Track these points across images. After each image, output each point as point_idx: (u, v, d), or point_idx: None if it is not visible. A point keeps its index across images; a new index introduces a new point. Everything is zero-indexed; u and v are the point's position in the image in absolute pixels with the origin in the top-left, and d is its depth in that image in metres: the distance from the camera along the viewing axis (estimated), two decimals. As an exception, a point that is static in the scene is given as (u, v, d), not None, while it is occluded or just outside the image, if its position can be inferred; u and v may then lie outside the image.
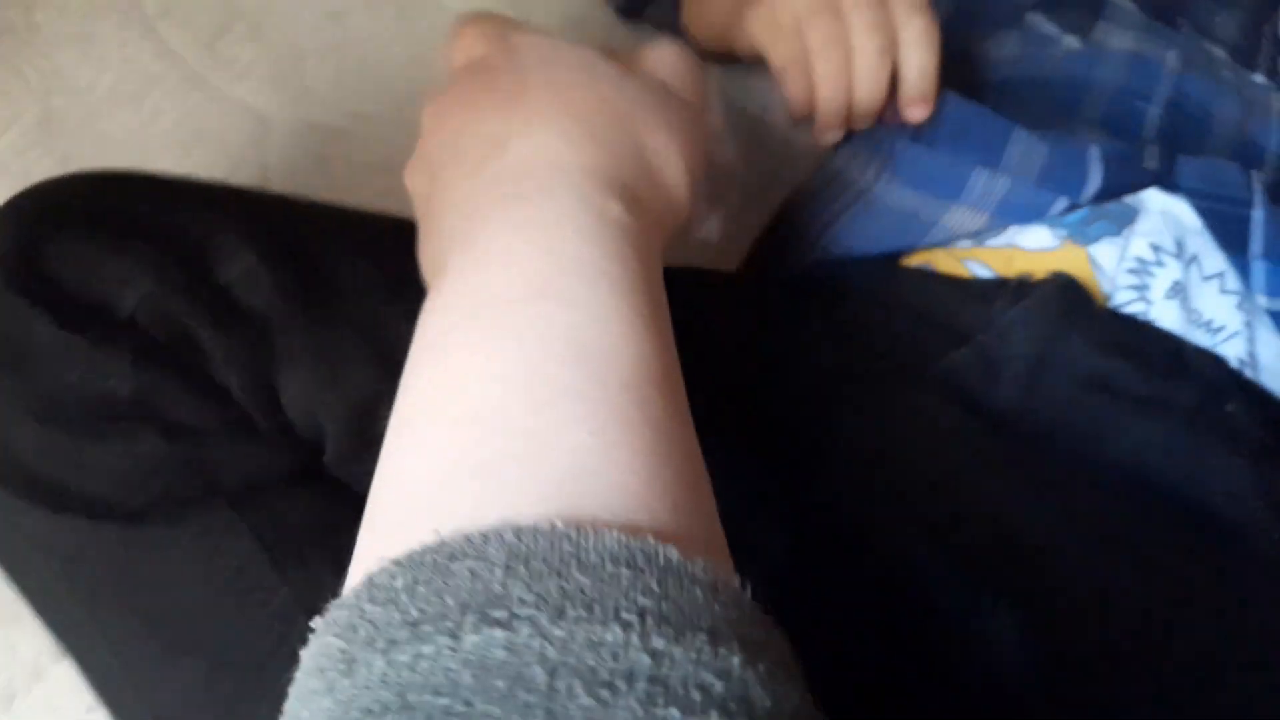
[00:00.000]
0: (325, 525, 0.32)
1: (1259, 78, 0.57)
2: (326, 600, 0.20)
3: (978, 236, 0.49)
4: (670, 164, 0.31)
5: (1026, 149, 0.48)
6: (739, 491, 0.28)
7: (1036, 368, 0.42)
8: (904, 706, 0.32)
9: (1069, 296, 0.44)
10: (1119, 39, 0.55)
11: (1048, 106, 0.53)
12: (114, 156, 0.50)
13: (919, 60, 0.46)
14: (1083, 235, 0.47)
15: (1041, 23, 0.57)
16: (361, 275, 0.35)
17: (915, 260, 0.49)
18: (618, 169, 0.29)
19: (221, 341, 0.31)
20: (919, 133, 0.49)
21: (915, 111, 0.47)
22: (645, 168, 0.30)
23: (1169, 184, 0.47)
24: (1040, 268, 0.47)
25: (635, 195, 0.29)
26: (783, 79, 0.46)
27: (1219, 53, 0.57)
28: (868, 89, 0.46)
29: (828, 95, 0.45)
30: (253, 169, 0.52)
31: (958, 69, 0.57)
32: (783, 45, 0.46)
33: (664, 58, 0.35)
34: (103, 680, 0.32)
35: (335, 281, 0.34)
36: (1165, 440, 0.40)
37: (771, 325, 0.46)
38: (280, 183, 0.52)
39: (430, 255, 0.30)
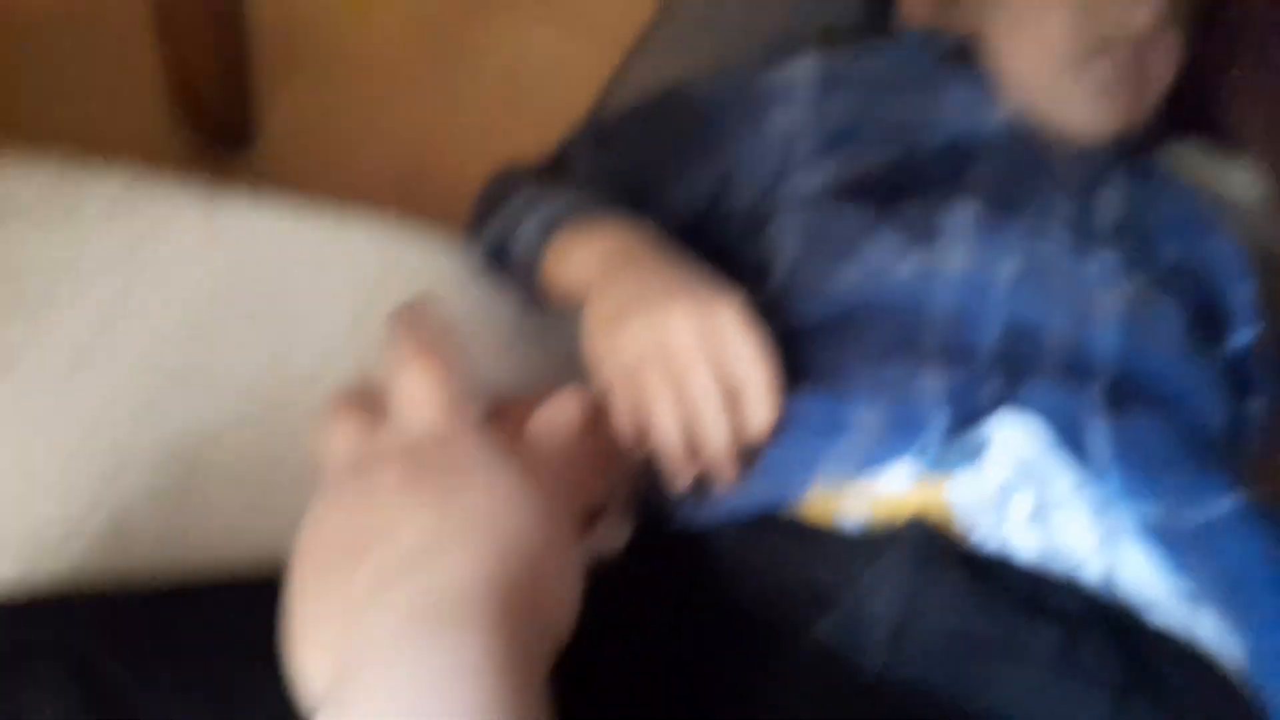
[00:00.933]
0: None
1: (1093, 274, 0.60)
2: None
3: (844, 483, 0.50)
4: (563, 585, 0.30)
5: (868, 410, 0.50)
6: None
7: (899, 631, 0.43)
8: None
9: (926, 549, 0.45)
10: (953, 257, 0.58)
11: (891, 336, 0.56)
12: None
13: (758, 415, 0.48)
14: (937, 472, 0.49)
15: (881, 247, 0.60)
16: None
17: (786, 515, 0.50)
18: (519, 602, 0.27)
19: None
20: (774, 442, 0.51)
21: (761, 441, 0.49)
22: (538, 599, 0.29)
23: (1012, 410, 0.49)
24: (903, 508, 0.48)
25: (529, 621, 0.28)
26: (622, 419, 0.48)
27: (1052, 256, 0.60)
28: (718, 448, 0.48)
29: (672, 452, 0.48)
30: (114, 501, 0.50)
31: (807, 305, 0.60)
32: (616, 388, 0.49)
33: (554, 425, 0.36)
34: None
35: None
36: (1030, 686, 0.41)
37: (648, 600, 0.46)
38: (143, 512, 0.51)
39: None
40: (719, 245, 0.73)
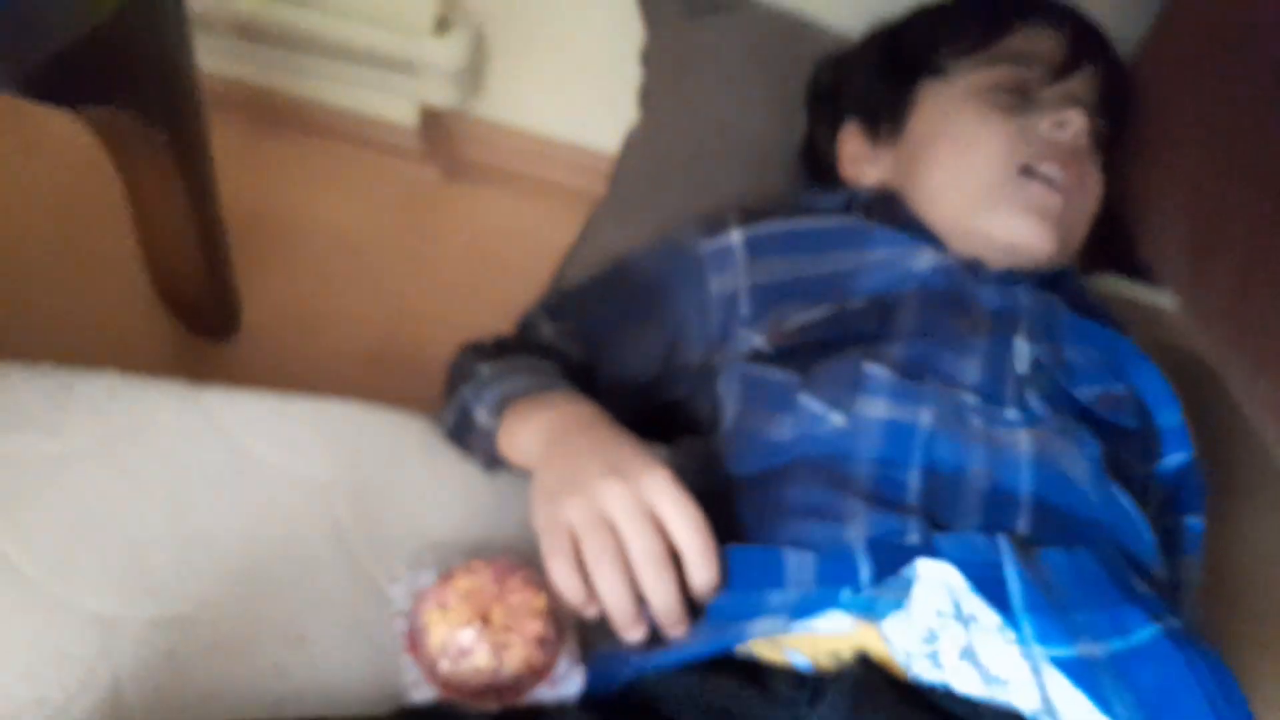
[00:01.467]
0: None
1: (1011, 413, 0.65)
2: None
3: (787, 628, 0.53)
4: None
5: (800, 562, 0.54)
6: None
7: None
8: None
9: (866, 685, 0.48)
10: (875, 408, 0.63)
11: (821, 483, 0.60)
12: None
13: (701, 577, 0.53)
14: (871, 614, 0.52)
15: (810, 402, 0.65)
16: None
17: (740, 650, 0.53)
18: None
19: None
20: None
21: (706, 599, 0.53)
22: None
23: (933, 554, 0.53)
24: (844, 647, 0.52)
25: None
26: (559, 585, 0.53)
27: (970, 399, 0.65)
28: (663, 611, 0.52)
29: (618, 615, 0.52)
30: (104, 679, 0.53)
31: (749, 456, 0.65)
32: (562, 567, 0.53)
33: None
34: None
35: None
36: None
37: None
38: (134, 687, 0.53)
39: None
40: (676, 399, 0.78)
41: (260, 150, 1.06)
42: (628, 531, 0.51)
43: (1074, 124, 0.74)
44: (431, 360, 0.79)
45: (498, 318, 0.82)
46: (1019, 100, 0.76)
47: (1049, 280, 0.77)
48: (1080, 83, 0.79)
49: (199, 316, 0.86)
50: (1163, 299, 1.01)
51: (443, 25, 1.08)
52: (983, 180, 0.75)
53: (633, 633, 0.52)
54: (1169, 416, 0.74)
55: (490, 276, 1.03)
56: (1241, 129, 0.83)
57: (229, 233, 0.85)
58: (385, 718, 0.51)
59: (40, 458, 0.61)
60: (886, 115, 0.83)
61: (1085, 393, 0.69)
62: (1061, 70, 0.77)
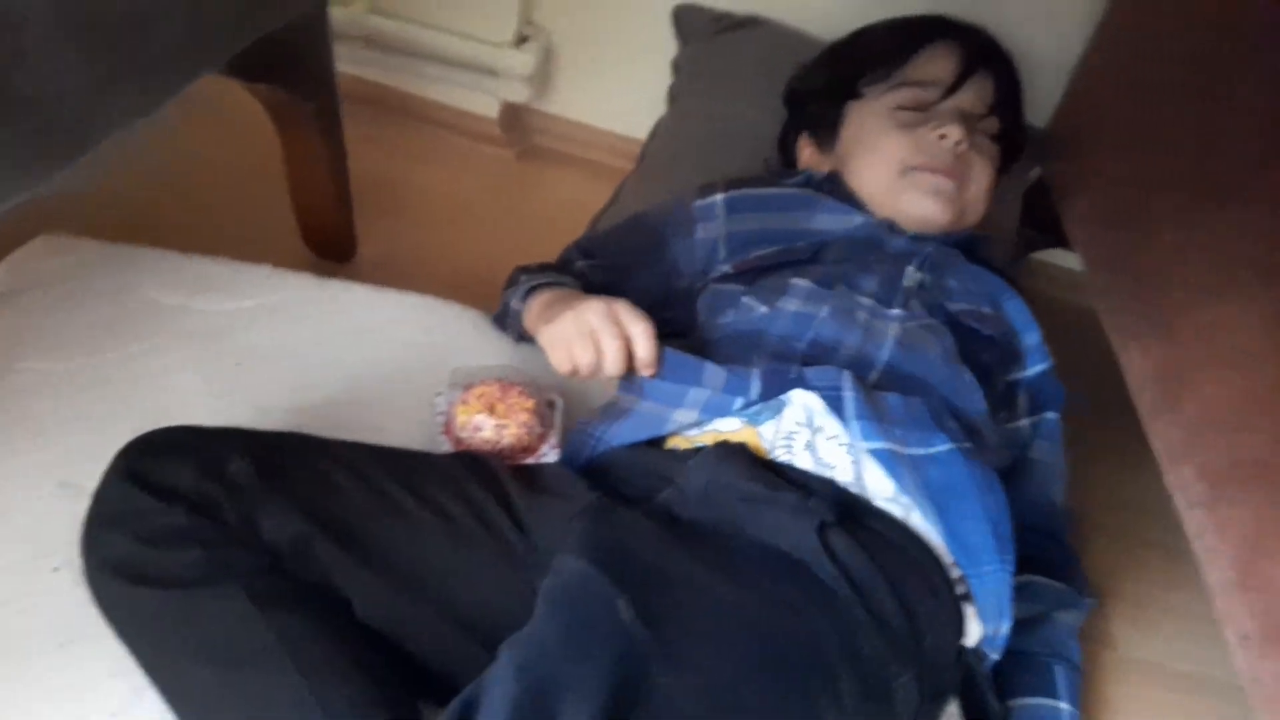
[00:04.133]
0: (283, 593, 0.61)
1: (895, 311, 0.90)
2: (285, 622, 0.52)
3: (700, 426, 0.79)
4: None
5: (714, 374, 0.80)
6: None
7: (704, 492, 0.71)
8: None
9: (724, 451, 0.74)
10: (790, 304, 0.89)
11: (744, 346, 0.86)
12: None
13: (642, 352, 0.79)
14: (754, 420, 0.78)
15: (748, 300, 0.91)
16: (313, 466, 0.67)
17: (668, 444, 0.80)
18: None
19: (228, 502, 0.62)
20: (655, 376, 0.81)
21: (647, 372, 0.80)
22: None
23: (804, 385, 0.78)
24: (733, 440, 0.77)
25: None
26: (552, 360, 0.80)
27: (865, 301, 0.90)
28: (614, 368, 0.79)
29: (586, 369, 0.79)
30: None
31: (708, 337, 0.91)
32: (559, 350, 0.80)
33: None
34: (173, 693, 0.60)
35: (287, 472, 0.65)
36: (775, 523, 0.68)
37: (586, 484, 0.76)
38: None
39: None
40: (672, 316, 1.05)
41: (379, 132, 1.39)
42: (598, 326, 0.78)
43: (952, 135, 0.98)
44: (498, 292, 1.08)
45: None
46: (917, 116, 1.01)
47: (959, 243, 1.01)
48: (972, 93, 1.02)
49: (328, 246, 1.17)
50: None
51: (520, 40, 1.39)
52: (885, 179, 1.00)
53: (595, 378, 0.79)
54: (1031, 337, 0.97)
55: (550, 233, 1.31)
56: (1147, 130, 1.06)
57: (353, 190, 1.16)
58: (448, 457, 0.78)
59: (223, 313, 0.93)
60: (825, 130, 1.08)
61: (956, 307, 0.93)
62: (953, 87, 1.01)
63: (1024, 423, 0.98)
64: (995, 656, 0.75)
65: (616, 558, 0.60)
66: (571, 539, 0.63)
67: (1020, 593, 0.92)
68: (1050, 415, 0.98)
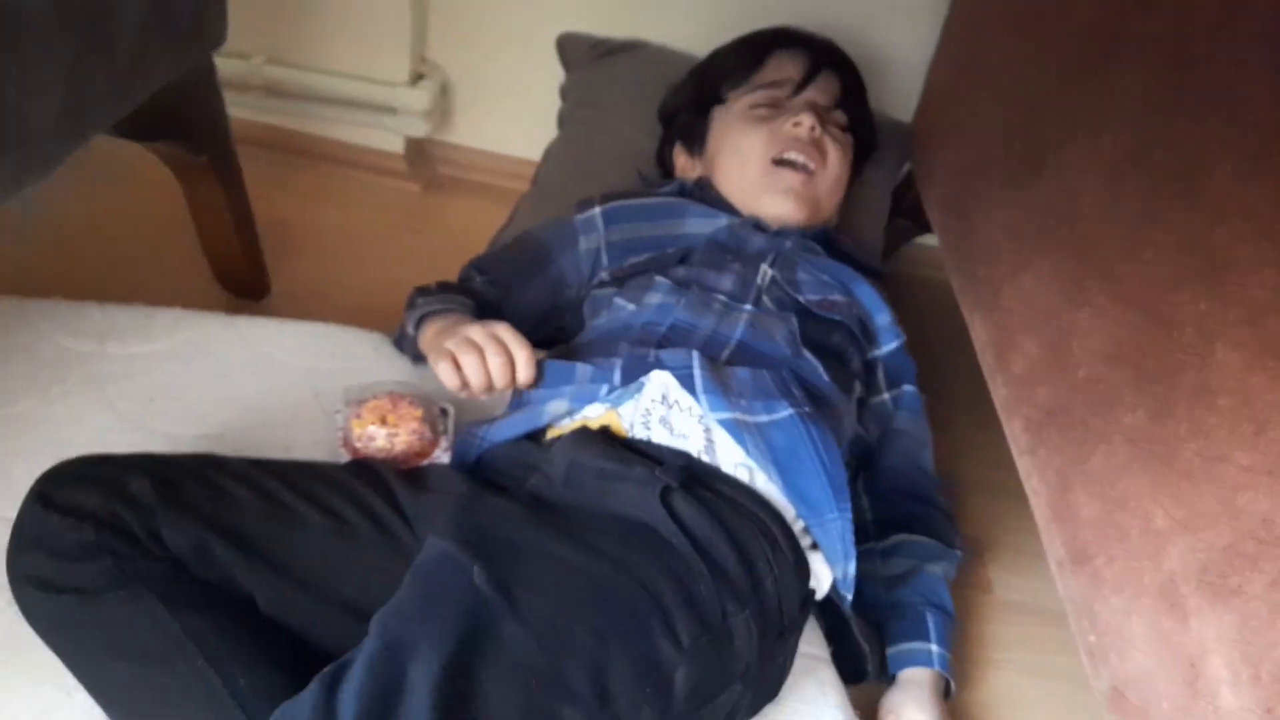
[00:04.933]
0: (190, 594, 0.69)
1: (747, 306, 0.99)
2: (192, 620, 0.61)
3: (570, 415, 0.87)
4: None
5: (583, 372, 0.89)
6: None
7: (566, 473, 0.80)
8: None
9: (582, 436, 0.82)
10: (653, 299, 0.98)
11: (612, 338, 0.95)
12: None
13: (522, 373, 0.87)
14: (615, 403, 0.87)
15: (618, 300, 1.00)
16: (208, 479, 0.75)
17: (547, 436, 0.88)
18: None
19: (131, 517, 0.69)
20: (534, 387, 0.90)
21: (528, 385, 0.88)
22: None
23: (660, 367, 0.87)
24: (596, 425, 0.86)
25: None
26: (443, 379, 0.88)
27: (720, 298, 0.99)
28: (500, 382, 0.87)
29: (475, 386, 0.86)
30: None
31: (586, 338, 1.00)
32: (448, 369, 0.87)
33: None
34: (98, 690, 0.67)
35: (184, 487, 0.73)
36: (626, 494, 0.77)
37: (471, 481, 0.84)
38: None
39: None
40: (562, 325, 1.14)
41: (288, 174, 1.47)
42: (483, 345, 0.85)
43: (805, 122, 1.09)
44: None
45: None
46: (772, 112, 1.11)
47: (816, 236, 1.11)
48: (818, 89, 1.13)
49: (241, 286, 1.25)
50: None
51: (416, 78, 1.48)
52: (750, 174, 1.10)
53: (483, 395, 0.87)
54: (882, 318, 1.07)
55: (457, 257, 1.39)
56: (975, 120, 1.16)
57: (265, 230, 1.24)
58: (339, 465, 0.86)
59: (134, 355, 1.00)
60: (696, 138, 1.19)
61: (807, 297, 1.02)
62: (801, 84, 1.12)
63: (886, 396, 1.08)
64: (849, 595, 0.84)
65: (476, 535, 0.68)
66: (440, 524, 0.71)
67: (894, 551, 1.02)
68: (908, 388, 1.08)
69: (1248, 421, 0.61)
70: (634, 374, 0.87)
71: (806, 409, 0.86)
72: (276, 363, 1.02)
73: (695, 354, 0.87)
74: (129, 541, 0.70)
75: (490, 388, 0.87)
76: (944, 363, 1.19)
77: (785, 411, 0.85)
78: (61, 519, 0.68)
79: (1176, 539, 0.66)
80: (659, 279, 1.01)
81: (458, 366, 0.86)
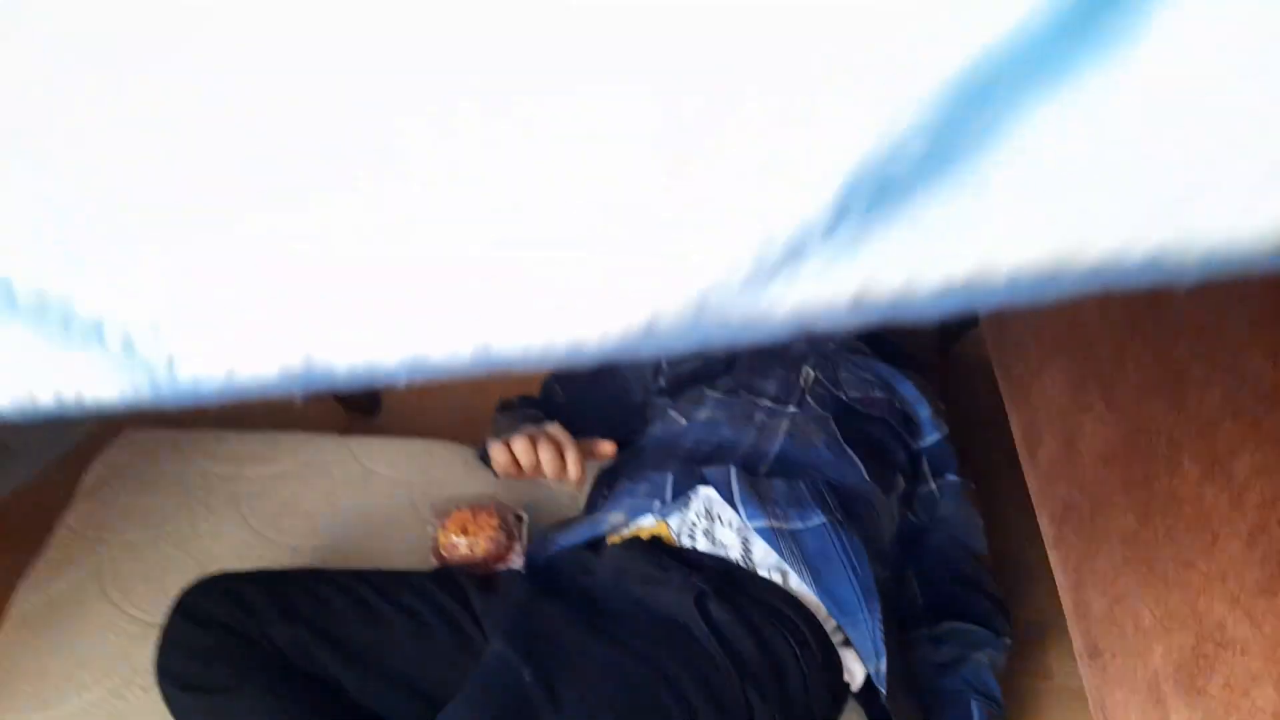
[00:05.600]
0: (294, 685, 0.83)
1: (791, 408, 1.08)
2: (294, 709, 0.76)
3: (627, 525, 0.98)
4: None
5: (640, 488, 1.00)
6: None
7: (615, 578, 0.90)
8: None
9: (630, 545, 0.93)
10: (702, 414, 1.08)
11: (665, 453, 1.05)
12: None
13: (573, 469, 0.97)
14: (664, 516, 0.97)
15: (672, 412, 1.11)
16: (310, 589, 0.89)
17: (608, 542, 0.99)
18: None
19: (248, 621, 0.84)
20: (581, 484, 1.01)
21: (578, 482, 1.00)
22: None
23: (704, 482, 0.97)
24: (648, 534, 0.96)
25: None
26: (494, 457, 1.00)
27: (765, 403, 1.09)
28: (550, 470, 0.99)
29: (525, 465, 0.98)
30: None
31: (646, 442, 1.11)
32: (496, 447, 1.00)
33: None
34: None
35: (290, 597, 0.87)
36: (665, 598, 0.86)
37: (535, 583, 0.96)
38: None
39: None
40: (634, 422, 1.25)
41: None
42: (535, 437, 0.97)
43: None
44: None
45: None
46: None
47: (863, 333, 1.20)
48: None
49: (355, 402, 1.42)
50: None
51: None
52: None
53: (538, 477, 0.98)
54: (923, 412, 1.14)
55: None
56: None
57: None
58: (429, 571, 0.99)
59: (262, 476, 1.17)
60: None
61: (849, 395, 1.10)
62: None
63: (932, 486, 1.14)
64: (883, 689, 0.90)
65: (528, 638, 0.80)
66: (501, 627, 0.83)
67: (943, 638, 1.07)
68: (950, 478, 1.14)
69: (1205, 530, 0.66)
70: (682, 488, 0.97)
71: (839, 515, 0.94)
72: (380, 478, 1.18)
73: (733, 469, 0.96)
74: (246, 643, 0.84)
75: (539, 471, 0.98)
76: (1012, 443, 1.24)
77: (818, 520, 0.93)
78: (194, 626, 0.84)
79: (1159, 638, 0.70)
80: (708, 392, 1.11)
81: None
